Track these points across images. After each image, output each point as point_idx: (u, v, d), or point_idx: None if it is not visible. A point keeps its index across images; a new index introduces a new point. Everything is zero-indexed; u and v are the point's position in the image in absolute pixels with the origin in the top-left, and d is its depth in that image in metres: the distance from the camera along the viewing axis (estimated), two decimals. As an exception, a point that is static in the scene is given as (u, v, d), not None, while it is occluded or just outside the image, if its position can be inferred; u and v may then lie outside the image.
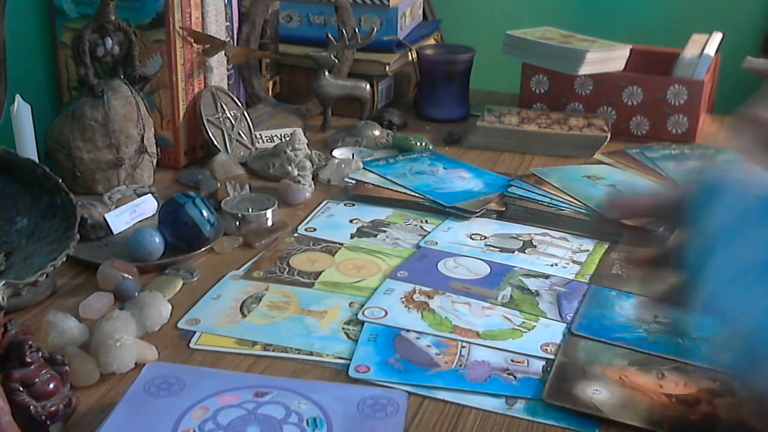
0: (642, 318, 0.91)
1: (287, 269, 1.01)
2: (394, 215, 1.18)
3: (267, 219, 1.12)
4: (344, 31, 1.50)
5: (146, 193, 1.17)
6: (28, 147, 1.08)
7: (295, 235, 1.11)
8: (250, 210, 1.13)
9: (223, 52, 1.38)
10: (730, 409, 0.76)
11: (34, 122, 1.08)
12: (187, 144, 1.35)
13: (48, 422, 0.70)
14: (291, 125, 1.46)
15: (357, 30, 1.50)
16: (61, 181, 0.83)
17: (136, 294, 0.92)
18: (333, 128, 1.53)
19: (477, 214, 1.17)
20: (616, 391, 0.78)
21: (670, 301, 0.68)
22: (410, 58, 1.67)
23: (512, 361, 0.83)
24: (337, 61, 1.49)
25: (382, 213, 1.18)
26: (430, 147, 1.42)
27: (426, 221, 1.16)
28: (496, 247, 1.08)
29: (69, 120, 1.19)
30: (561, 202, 1.18)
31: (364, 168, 1.31)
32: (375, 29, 1.52)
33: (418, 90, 1.68)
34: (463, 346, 0.86)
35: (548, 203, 1.18)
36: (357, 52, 1.57)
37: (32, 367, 0.72)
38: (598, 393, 0.78)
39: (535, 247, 1.09)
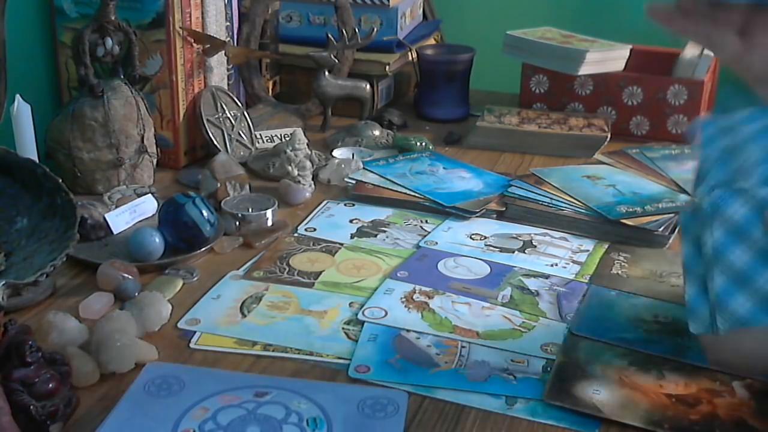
0: (642, 318, 0.91)
1: (287, 269, 1.01)
2: (394, 215, 1.18)
3: (267, 219, 1.12)
4: (344, 31, 1.50)
5: (146, 193, 1.17)
6: (28, 147, 1.08)
7: (295, 235, 1.11)
8: (250, 210, 1.13)
9: (223, 52, 1.38)
10: (730, 409, 0.76)
11: (34, 122, 1.08)
12: (187, 144, 1.35)
13: (48, 422, 0.70)
14: (291, 125, 1.46)
15: (357, 30, 1.50)
16: (61, 181, 0.83)
17: (136, 294, 0.92)
18: (333, 128, 1.52)
19: (477, 214, 1.17)
20: (616, 391, 0.78)
21: None
22: (410, 58, 1.67)
23: (512, 361, 0.83)
24: (337, 61, 1.49)
25: (382, 213, 1.18)
26: (430, 147, 1.42)
27: (426, 221, 1.16)
28: (496, 247, 1.08)
29: (69, 120, 1.19)
30: (561, 202, 1.18)
31: (364, 168, 1.31)
32: (375, 29, 1.52)
33: (418, 90, 1.68)
34: (463, 346, 0.86)
35: (548, 203, 1.18)
36: (357, 52, 1.57)
37: (32, 367, 0.72)
38: (598, 393, 0.78)
39: (535, 247, 1.09)
